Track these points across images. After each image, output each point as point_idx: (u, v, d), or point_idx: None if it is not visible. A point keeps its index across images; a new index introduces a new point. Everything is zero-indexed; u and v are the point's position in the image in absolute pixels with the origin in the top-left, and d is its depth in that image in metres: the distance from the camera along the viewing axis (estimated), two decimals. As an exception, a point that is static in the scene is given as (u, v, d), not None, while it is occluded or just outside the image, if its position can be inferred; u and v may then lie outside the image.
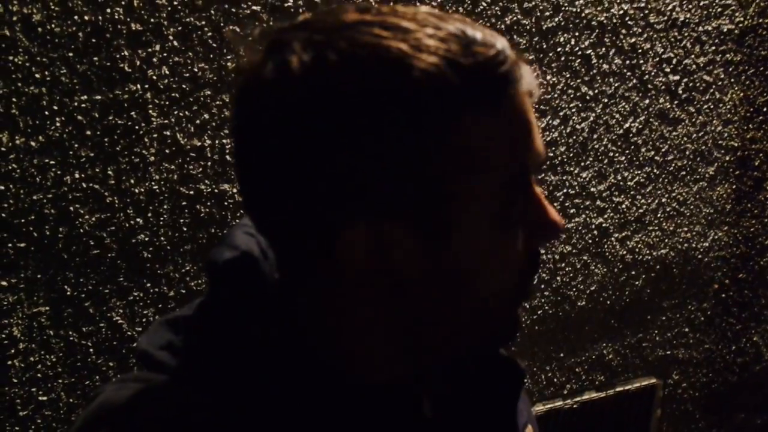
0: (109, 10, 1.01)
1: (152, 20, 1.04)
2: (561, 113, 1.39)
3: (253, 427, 0.49)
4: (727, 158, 1.62)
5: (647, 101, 1.48)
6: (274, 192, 0.49)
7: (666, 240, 1.58)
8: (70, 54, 1.00)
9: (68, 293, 1.07)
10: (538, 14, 1.32)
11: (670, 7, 1.46)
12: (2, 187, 1.00)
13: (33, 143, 1.01)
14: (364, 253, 0.48)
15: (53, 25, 0.99)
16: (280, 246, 0.52)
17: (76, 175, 1.04)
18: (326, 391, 0.52)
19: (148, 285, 1.12)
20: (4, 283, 1.03)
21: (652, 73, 1.47)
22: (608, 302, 1.53)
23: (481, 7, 1.27)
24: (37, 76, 0.99)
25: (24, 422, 1.08)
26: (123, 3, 1.02)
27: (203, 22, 1.07)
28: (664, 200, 1.55)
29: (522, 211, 0.50)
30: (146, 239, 1.10)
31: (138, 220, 1.09)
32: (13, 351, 1.06)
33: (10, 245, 1.02)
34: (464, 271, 0.49)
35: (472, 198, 0.47)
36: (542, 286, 1.45)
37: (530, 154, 0.49)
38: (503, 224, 0.49)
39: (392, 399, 0.56)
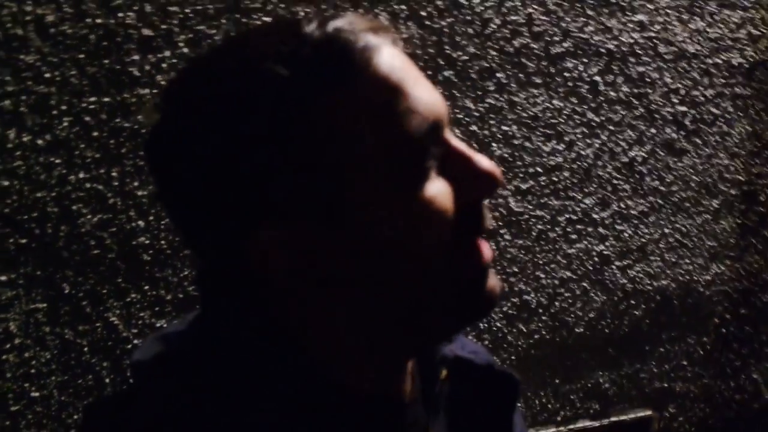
0: (121, 15, 1.03)
1: (163, 26, 1.06)
2: (566, 138, 1.39)
3: None
4: (733, 192, 1.61)
5: (653, 131, 1.48)
6: (186, 216, 0.52)
7: (668, 271, 1.57)
8: (81, 56, 1.02)
9: (66, 291, 1.08)
10: (547, 39, 1.33)
11: (679, 39, 1.47)
12: (6, 183, 1.02)
13: (39, 141, 1.02)
14: (279, 255, 0.48)
15: (66, 27, 1.00)
16: (214, 266, 0.54)
17: (81, 175, 1.06)
18: (319, 401, 0.52)
19: (146, 288, 1.13)
20: (3, 278, 1.04)
21: (660, 103, 1.48)
22: (607, 330, 1.52)
23: (490, 29, 1.28)
24: (47, 75, 1.01)
25: (15, 417, 1.08)
26: (135, 8, 1.04)
27: (213, 31, 1.08)
28: (666, 231, 1.55)
29: (441, 167, 0.50)
30: (146, 242, 1.11)
31: (139, 222, 1.10)
32: (8, 346, 1.07)
33: (11, 241, 1.04)
34: (386, 244, 0.48)
35: (362, 174, 0.47)
36: (540, 311, 1.44)
37: (419, 110, 0.48)
38: (408, 186, 0.48)
39: (388, 410, 0.56)
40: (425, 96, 0.50)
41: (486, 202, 0.53)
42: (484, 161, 0.51)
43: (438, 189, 0.50)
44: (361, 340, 0.53)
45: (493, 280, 0.53)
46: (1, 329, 1.06)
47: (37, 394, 1.09)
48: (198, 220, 0.51)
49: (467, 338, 0.72)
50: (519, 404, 0.67)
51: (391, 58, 0.49)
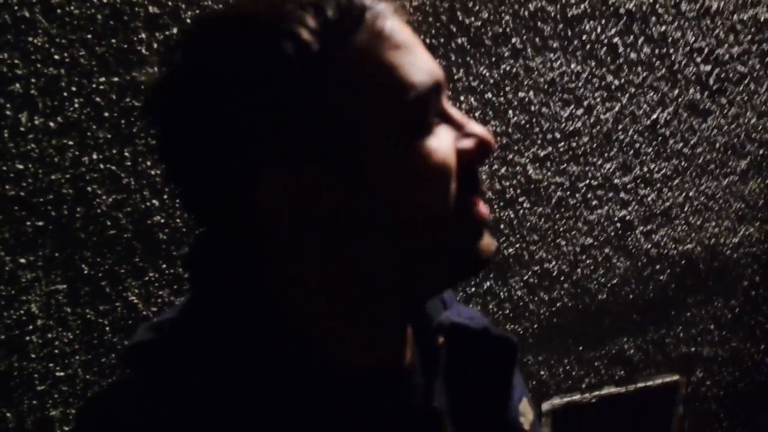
0: (127, -7, 1.02)
1: (170, 3, 1.05)
2: (585, 103, 1.36)
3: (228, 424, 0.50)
4: (761, 152, 1.56)
5: (676, 92, 1.44)
6: (190, 162, 0.51)
7: (693, 234, 1.54)
8: (89, 36, 1.01)
9: (85, 272, 1.09)
10: (563, 1, 1.29)
11: (703, -5, 1.42)
12: (21, 167, 1.02)
13: (51, 124, 1.02)
14: (282, 200, 0.49)
15: (72, 7, 1.00)
16: (214, 224, 0.54)
17: (94, 156, 1.06)
18: (318, 379, 0.52)
19: (164, 266, 1.14)
20: (22, 261, 1.06)
21: (682, 63, 1.43)
22: (631, 296, 1.50)
23: (504, -8, 1.24)
24: (56, 57, 1.00)
25: (41, 396, 1.11)
26: (141, -14, 1.02)
27: (220, 5, 1.07)
28: (691, 194, 1.51)
29: (438, 125, 0.52)
30: (162, 221, 1.11)
31: (154, 201, 1.10)
32: (31, 327, 1.08)
33: (28, 223, 1.05)
34: (389, 190, 0.50)
35: (369, 121, 0.49)
36: (562, 278, 1.43)
37: (422, 68, 0.51)
38: (412, 136, 0.50)
39: (385, 388, 0.55)
40: (427, 58, 0.53)
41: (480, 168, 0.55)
42: (476, 127, 0.54)
43: (441, 141, 0.52)
44: (357, 299, 0.53)
45: (488, 239, 0.55)
46: (24, 311, 1.07)
47: (62, 373, 1.11)
48: (203, 170, 0.50)
49: (463, 305, 0.72)
50: (516, 366, 0.67)
51: (396, 22, 0.52)
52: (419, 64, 0.51)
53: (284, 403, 0.50)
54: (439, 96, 0.52)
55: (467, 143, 0.53)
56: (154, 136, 0.54)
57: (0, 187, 1.02)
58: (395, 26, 0.51)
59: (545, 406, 1.48)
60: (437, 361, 0.61)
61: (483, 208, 0.54)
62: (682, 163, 1.48)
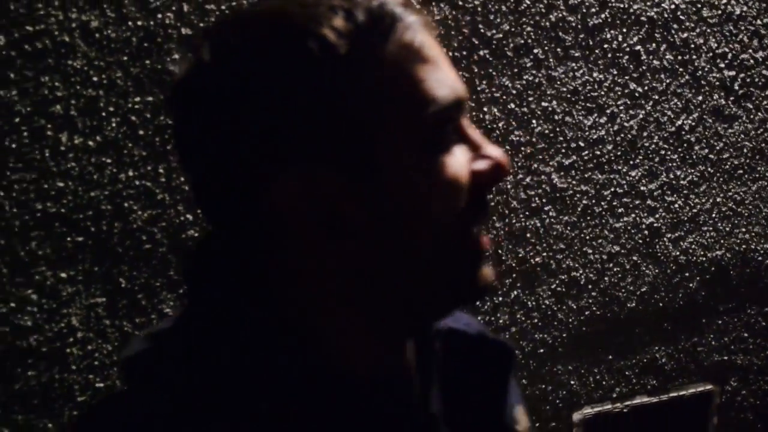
0: (160, 16, 1.06)
1: (201, 24, 1.09)
2: (608, 111, 1.37)
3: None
4: (789, 156, 1.56)
5: (700, 98, 1.44)
6: (210, 157, 0.51)
7: (722, 241, 1.53)
8: (125, 58, 1.06)
9: (123, 285, 1.13)
10: (584, 11, 1.31)
11: (724, 1, 1.42)
12: (62, 185, 1.07)
13: (90, 143, 1.07)
14: (299, 200, 0.49)
15: (109, 31, 1.04)
16: (226, 221, 0.53)
17: (130, 173, 1.10)
18: (321, 389, 0.51)
19: (198, 279, 1.17)
20: (63, 275, 1.10)
21: (706, 69, 1.43)
22: (660, 304, 1.50)
23: (525, 5, 1.26)
24: (94, 79, 1.05)
25: (82, 407, 1.14)
26: (173, 8, 1.07)
27: (249, 26, 1.11)
28: (719, 200, 1.51)
29: (455, 143, 0.52)
30: (195, 234, 1.15)
31: (188, 216, 1.14)
32: (72, 339, 1.12)
33: (69, 239, 1.09)
34: (402, 199, 0.50)
35: (389, 130, 0.49)
36: (589, 287, 1.43)
37: (446, 83, 0.51)
38: (429, 149, 0.50)
39: (385, 394, 0.55)
40: (451, 75, 0.53)
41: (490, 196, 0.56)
42: (493, 150, 0.54)
43: (456, 158, 0.52)
44: (362, 306, 0.53)
45: (488, 269, 0.55)
46: (64, 324, 1.11)
47: (101, 384, 1.15)
48: (221, 166, 0.50)
49: (459, 311, 0.71)
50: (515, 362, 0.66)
51: (426, 36, 0.52)
52: (444, 80, 0.51)
53: (286, 408, 0.50)
54: (459, 113, 0.53)
55: (482, 165, 0.53)
56: (174, 128, 0.54)
57: (41, 205, 1.06)
58: (425, 40, 0.51)
59: (576, 416, 1.47)
60: (434, 367, 0.61)
61: (485, 239, 0.55)
62: (709, 169, 1.48)
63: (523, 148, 1.32)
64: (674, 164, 1.45)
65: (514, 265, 1.35)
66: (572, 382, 1.44)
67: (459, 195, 0.51)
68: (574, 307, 1.42)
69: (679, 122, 1.44)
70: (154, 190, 1.12)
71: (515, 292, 1.36)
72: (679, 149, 1.45)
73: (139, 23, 1.06)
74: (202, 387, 0.50)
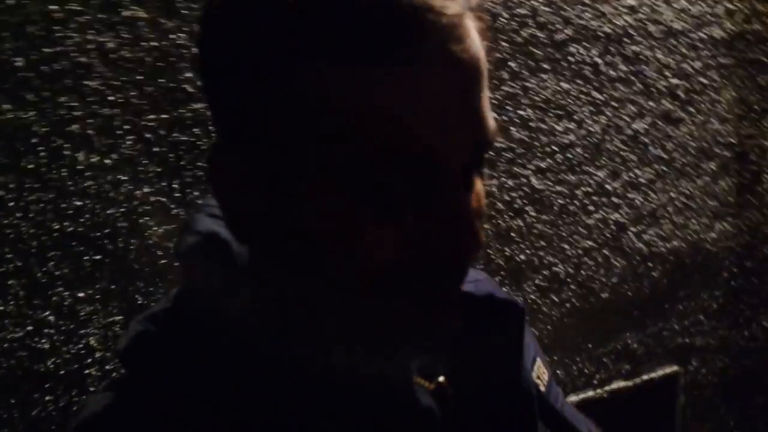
0: (173, 36, 1.10)
1: (211, 44, 1.13)
2: (576, 117, 1.50)
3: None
4: (727, 154, 1.74)
5: (652, 103, 1.60)
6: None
7: (678, 233, 1.68)
8: (139, 77, 1.09)
9: (139, 302, 1.14)
10: (551, 27, 1.44)
11: (666, 18, 1.59)
12: (79, 203, 1.07)
13: (107, 161, 1.08)
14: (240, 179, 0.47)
15: (125, 51, 1.07)
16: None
17: (145, 189, 1.12)
18: (302, 385, 0.49)
19: (211, 292, 1.19)
20: (81, 295, 1.09)
21: (655, 78, 1.59)
22: (629, 293, 1.62)
23: (501, 22, 1.38)
24: (110, 98, 1.07)
25: (101, 429, 1.13)
26: (186, 29, 1.11)
27: (257, 44, 1.16)
28: (673, 195, 1.66)
29: (415, 207, 0.43)
30: (209, 248, 1.17)
31: (201, 230, 1.16)
32: (90, 360, 1.11)
33: (86, 258, 1.09)
34: (310, 240, 0.44)
35: (323, 167, 0.42)
36: (568, 280, 1.54)
37: (419, 137, 0.41)
38: (360, 206, 0.42)
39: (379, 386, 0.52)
40: (454, 121, 0.43)
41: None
42: (470, 227, 0.44)
43: (397, 228, 0.44)
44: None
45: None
46: (83, 344, 1.11)
47: (121, 403, 1.14)
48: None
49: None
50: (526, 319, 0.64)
51: (444, 65, 0.43)
52: (429, 134, 0.42)
53: (288, 401, 0.48)
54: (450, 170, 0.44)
55: (437, 240, 0.44)
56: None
57: (59, 224, 1.06)
58: (429, 71, 0.42)
59: (560, 405, 1.56)
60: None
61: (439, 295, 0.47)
62: (662, 167, 1.63)
63: (504, 154, 1.42)
64: (633, 164, 1.59)
65: (502, 263, 1.45)
66: (558, 372, 1.54)
67: (376, 265, 0.45)
68: (557, 300, 1.52)
69: (636, 126, 1.59)
70: (169, 205, 1.14)
71: (504, 289, 1.45)
72: (636, 150, 1.59)
73: (153, 44, 1.09)
74: (207, 376, 0.48)
